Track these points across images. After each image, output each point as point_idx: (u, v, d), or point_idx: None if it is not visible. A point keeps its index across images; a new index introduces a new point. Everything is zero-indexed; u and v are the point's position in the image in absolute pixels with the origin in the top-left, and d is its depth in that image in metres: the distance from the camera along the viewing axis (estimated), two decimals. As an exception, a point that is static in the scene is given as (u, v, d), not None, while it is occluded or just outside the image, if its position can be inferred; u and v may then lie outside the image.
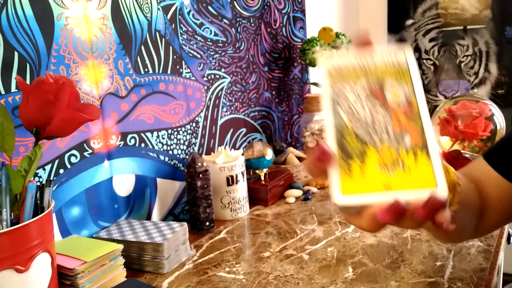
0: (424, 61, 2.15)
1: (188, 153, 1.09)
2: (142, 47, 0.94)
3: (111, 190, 0.89)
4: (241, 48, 1.27)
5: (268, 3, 1.38)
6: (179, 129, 1.05)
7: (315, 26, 1.55)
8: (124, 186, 0.92)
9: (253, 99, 1.35)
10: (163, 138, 1.01)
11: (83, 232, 0.84)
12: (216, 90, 1.18)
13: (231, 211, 1.02)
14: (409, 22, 2.14)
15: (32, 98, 0.58)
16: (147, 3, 0.94)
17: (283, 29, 1.46)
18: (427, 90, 2.18)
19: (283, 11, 1.44)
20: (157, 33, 0.98)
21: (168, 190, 1.03)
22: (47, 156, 0.77)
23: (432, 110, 1.99)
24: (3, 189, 0.57)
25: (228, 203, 1.01)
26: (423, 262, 0.73)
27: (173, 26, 1.02)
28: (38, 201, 0.60)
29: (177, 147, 1.05)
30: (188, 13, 1.06)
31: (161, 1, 0.98)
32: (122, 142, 0.91)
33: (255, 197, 1.09)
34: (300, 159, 1.29)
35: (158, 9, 0.97)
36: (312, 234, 0.89)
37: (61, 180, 0.79)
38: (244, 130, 1.31)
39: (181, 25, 1.04)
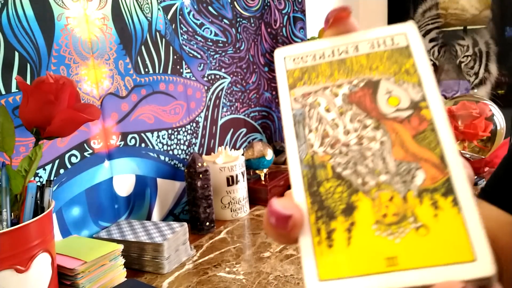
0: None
1: (188, 153, 1.09)
2: (143, 47, 0.94)
3: (111, 190, 0.89)
4: (241, 48, 1.27)
5: (268, 3, 1.38)
6: (179, 129, 1.05)
7: (315, 26, 1.55)
8: (124, 186, 0.92)
9: (253, 99, 1.35)
10: (163, 138, 1.01)
11: (83, 232, 0.84)
12: (217, 90, 1.18)
13: (231, 211, 1.02)
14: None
15: (32, 98, 0.58)
16: (148, 3, 0.94)
17: (283, 29, 1.46)
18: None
19: (283, 11, 1.44)
20: (158, 33, 0.98)
21: (168, 190, 1.03)
22: (47, 156, 0.77)
23: (432, 110, 1.98)
24: (3, 189, 0.57)
25: (228, 203, 1.01)
26: (423, 262, 0.73)
27: (173, 26, 1.02)
28: (38, 201, 0.60)
29: (177, 147, 1.05)
30: (189, 13, 1.06)
31: (161, 1, 0.98)
32: (122, 142, 0.91)
33: (255, 197, 1.09)
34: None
35: (159, 9, 0.97)
36: (312, 234, 0.89)
37: (61, 180, 0.79)
38: (244, 130, 1.31)
39: (182, 25, 1.04)
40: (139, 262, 0.78)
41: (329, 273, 0.20)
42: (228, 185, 1.01)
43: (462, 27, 2.05)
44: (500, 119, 1.23)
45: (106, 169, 0.88)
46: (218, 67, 1.18)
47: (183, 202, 1.07)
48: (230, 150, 1.07)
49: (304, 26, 1.51)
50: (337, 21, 0.25)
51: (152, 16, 0.96)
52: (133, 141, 0.93)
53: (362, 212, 0.21)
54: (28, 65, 0.73)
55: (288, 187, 1.15)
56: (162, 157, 1.01)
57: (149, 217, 0.98)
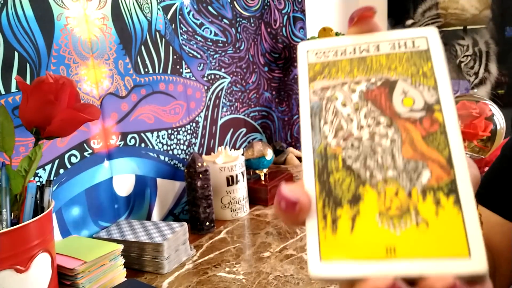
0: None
1: (188, 153, 1.09)
2: (142, 47, 0.94)
3: (111, 190, 0.89)
4: (241, 48, 1.27)
5: (268, 3, 1.38)
6: (179, 129, 1.05)
7: (315, 26, 1.55)
8: (124, 186, 0.92)
9: (253, 99, 1.35)
10: (163, 138, 1.01)
11: (83, 232, 0.84)
12: (216, 90, 1.18)
13: (231, 211, 1.02)
14: (409, 22, 2.14)
15: (32, 98, 0.58)
16: (147, 3, 0.94)
17: (283, 29, 1.46)
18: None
19: (283, 11, 1.44)
20: (157, 33, 0.98)
21: (168, 190, 1.03)
22: (47, 156, 0.77)
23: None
24: (3, 189, 0.56)
25: (228, 203, 1.01)
26: (423, 262, 0.73)
27: (173, 26, 1.02)
28: (38, 201, 0.60)
29: (177, 147, 1.05)
30: (188, 13, 1.06)
31: (161, 1, 0.98)
32: (122, 142, 0.91)
33: (255, 197, 1.09)
34: (300, 159, 1.29)
35: (158, 9, 0.97)
36: (312, 234, 0.89)
37: (61, 180, 0.79)
38: (244, 130, 1.31)
39: (181, 25, 1.04)
40: (139, 262, 0.78)
41: (330, 255, 0.21)
42: (228, 185, 1.01)
43: (462, 27, 2.05)
44: (500, 119, 1.23)
45: (106, 169, 0.88)
46: (218, 67, 1.18)
47: (183, 202, 1.07)
48: (230, 150, 1.07)
49: (304, 26, 1.50)
50: (362, 20, 0.26)
51: (152, 16, 0.96)
52: (133, 141, 0.93)
53: (367, 203, 0.22)
54: (28, 65, 0.73)
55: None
56: (162, 157, 1.01)
57: (149, 217, 0.98)
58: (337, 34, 1.44)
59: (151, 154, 0.98)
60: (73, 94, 0.60)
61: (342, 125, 0.24)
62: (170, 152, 1.03)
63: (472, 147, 1.25)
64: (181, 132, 1.06)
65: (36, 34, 0.73)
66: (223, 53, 1.19)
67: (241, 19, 1.26)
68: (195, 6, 1.08)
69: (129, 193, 0.93)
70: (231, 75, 1.24)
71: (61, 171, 0.79)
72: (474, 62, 2.06)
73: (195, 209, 0.94)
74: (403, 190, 0.22)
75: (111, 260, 0.71)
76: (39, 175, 0.75)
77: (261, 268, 0.76)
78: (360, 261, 0.21)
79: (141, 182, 0.96)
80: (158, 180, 1.00)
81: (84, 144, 0.83)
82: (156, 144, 0.99)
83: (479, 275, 0.20)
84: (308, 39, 1.40)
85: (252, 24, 1.32)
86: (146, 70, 0.96)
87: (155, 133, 0.99)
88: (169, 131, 1.03)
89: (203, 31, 1.11)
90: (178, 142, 1.06)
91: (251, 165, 1.10)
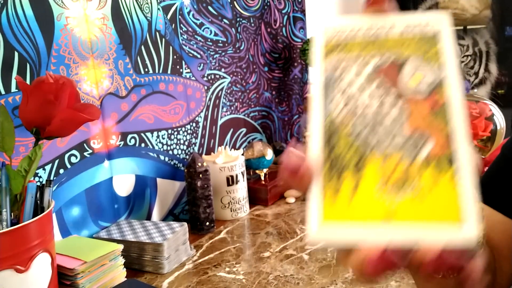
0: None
1: (188, 153, 1.09)
2: (142, 47, 0.94)
3: (111, 190, 0.89)
4: (241, 48, 1.27)
5: (268, 3, 1.38)
6: (179, 129, 1.05)
7: (315, 26, 1.54)
8: (124, 186, 0.92)
9: (253, 99, 1.35)
10: (163, 138, 1.01)
11: (83, 232, 0.84)
12: (216, 90, 1.18)
13: (231, 211, 1.02)
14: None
15: (32, 98, 0.58)
16: (147, 3, 0.94)
17: (283, 29, 1.46)
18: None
19: (283, 11, 1.44)
20: (157, 33, 0.97)
21: (168, 190, 1.03)
22: (47, 156, 0.77)
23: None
24: (3, 189, 0.56)
25: (228, 203, 1.01)
26: (423, 262, 0.73)
27: (173, 26, 1.02)
28: (38, 201, 0.60)
29: (177, 147, 1.05)
30: (188, 13, 1.06)
31: (161, 1, 0.98)
32: (122, 142, 0.91)
33: (255, 197, 1.09)
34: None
35: (158, 9, 0.97)
36: (312, 234, 0.89)
37: (61, 180, 0.79)
38: (244, 130, 1.31)
39: (181, 25, 1.04)
40: (139, 262, 0.78)
41: (332, 215, 0.23)
42: (228, 185, 1.01)
43: (462, 27, 2.05)
44: (500, 119, 1.23)
45: (106, 169, 0.88)
46: (218, 67, 1.18)
47: (183, 202, 1.07)
48: (230, 150, 1.07)
49: (304, 26, 1.50)
50: (377, 1, 0.28)
51: (152, 16, 0.96)
52: (132, 141, 0.93)
53: (370, 170, 0.23)
54: (28, 65, 0.73)
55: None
56: (162, 157, 1.01)
57: (149, 217, 0.98)
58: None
59: (151, 154, 0.98)
60: (73, 94, 0.60)
61: (354, 94, 0.26)
62: (170, 152, 1.03)
63: (472, 147, 1.24)
64: (181, 132, 1.06)
65: (36, 34, 0.73)
66: (223, 53, 1.19)
67: (241, 19, 1.26)
68: (195, 6, 1.08)
69: (129, 193, 0.93)
70: (231, 75, 1.24)
71: (61, 171, 0.79)
72: (474, 62, 2.06)
73: (195, 209, 0.94)
74: (406, 158, 0.23)
75: (111, 260, 0.71)
76: (39, 175, 0.75)
77: (261, 268, 0.76)
78: (358, 226, 0.22)
79: (141, 182, 0.96)
80: (158, 180, 1.00)
81: (84, 144, 0.83)
82: (156, 144, 0.99)
83: (470, 245, 0.21)
84: (308, 39, 1.40)
85: (252, 24, 1.32)
86: (146, 70, 0.96)
87: (155, 133, 0.99)
88: (169, 131, 1.03)
89: (203, 31, 1.11)
90: (178, 142, 1.06)
91: (251, 165, 1.10)
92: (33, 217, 0.57)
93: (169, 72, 1.01)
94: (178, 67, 1.04)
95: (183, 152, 1.07)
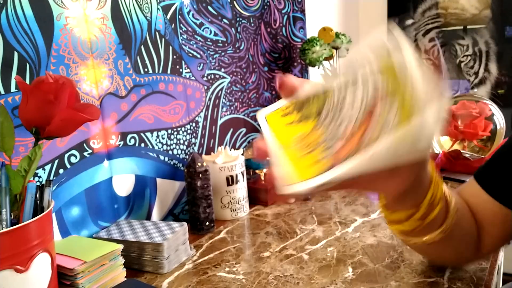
0: (424, 61, 2.15)
1: (188, 153, 1.09)
2: (142, 47, 0.94)
3: (111, 190, 0.89)
4: (241, 48, 1.27)
5: (268, 3, 1.38)
6: (179, 129, 1.05)
7: (315, 26, 1.55)
8: (124, 186, 0.92)
9: (253, 99, 1.35)
10: (163, 138, 1.01)
11: (83, 232, 0.84)
12: (216, 90, 1.18)
13: (231, 211, 1.02)
14: (409, 22, 2.14)
15: (32, 98, 0.58)
16: (147, 3, 0.94)
17: (283, 29, 1.46)
18: (427, 90, 2.18)
19: (283, 11, 1.44)
20: (157, 33, 0.97)
21: (168, 190, 1.03)
22: (47, 156, 0.77)
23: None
24: (3, 189, 0.56)
25: (228, 203, 1.01)
26: (423, 262, 0.73)
27: (173, 26, 1.02)
28: (38, 201, 0.60)
29: (177, 147, 1.05)
30: (188, 13, 1.06)
31: (161, 1, 0.98)
32: (122, 142, 0.91)
33: (255, 197, 1.09)
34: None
35: (158, 9, 0.97)
36: (312, 234, 0.89)
37: (61, 180, 0.79)
38: (244, 130, 1.31)
39: (181, 25, 1.04)
40: (139, 262, 0.78)
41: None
42: (228, 185, 1.01)
43: (462, 27, 2.05)
44: (500, 119, 1.23)
45: (106, 169, 0.88)
46: (217, 66, 1.18)
47: (183, 202, 1.07)
48: (230, 150, 1.07)
49: (304, 26, 1.50)
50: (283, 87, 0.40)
51: (152, 16, 0.96)
52: (132, 141, 0.93)
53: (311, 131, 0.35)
54: (28, 65, 0.73)
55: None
56: (161, 157, 1.01)
57: (148, 217, 0.98)
58: (337, 34, 1.44)
59: (151, 154, 0.98)
60: (73, 94, 0.60)
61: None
62: (170, 152, 1.03)
63: (472, 147, 1.25)
64: (181, 132, 1.06)
65: (35, 34, 0.73)
66: (223, 53, 1.19)
67: (241, 19, 1.26)
68: (195, 6, 1.08)
69: (129, 193, 0.93)
70: (231, 75, 1.24)
71: (61, 171, 0.79)
72: (474, 62, 2.06)
73: (195, 209, 0.94)
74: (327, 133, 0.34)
75: (111, 260, 0.71)
76: (39, 175, 0.76)
77: (261, 268, 0.76)
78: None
79: (141, 182, 0.96)
80: (158, 180, 1.00)
81: (84, 144, 0.83)
82: (156, 144, 0.99)
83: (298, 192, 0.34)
84: (308, 39, 1.39)
85: (252, 24, 1.32)
86: (146, 70, 0.96)
87: (155, 133, 0.99)
88: (169, 131, 1.03)
89: (203, 31, 1.11)
90: (178, 142, 1.06)
91: (251, 165, 1.10)
92: (33, 217, 0.57)
93: (168, 72, 1.01)
94: (177, 67, 1.04)
95: (183, 152, 1.07)
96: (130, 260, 0.77)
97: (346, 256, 0.78)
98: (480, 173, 0.61)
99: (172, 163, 1.04)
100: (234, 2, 1.23)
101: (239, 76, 1.27)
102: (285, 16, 1.46)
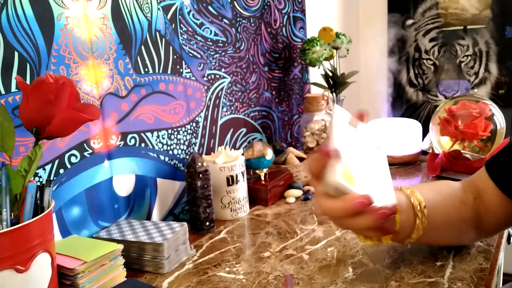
0: (424, 61, 2.15)
1: (188, 153, 1.09)
2: (142, 47, 0.94)
3: (111, 190, 0.89)
4: (241, 48, 1.27)
5: (268, 3, 1.38)
6: (179, 129, 1.05)
7: (315, 26, 1.55)
8: (124, 186, 0.92)
9: (253, 99, 1.35)
10: (163, 138, 1.01)
11: (83, 232, 0.84)
12: (216, 90, 1.18)
13: (231, 211, 1.02)
14: (409, 22, 2.14)
15: (32, 98, 0.58)
16: (147, 3, 0.94)
17: (283, 29, 1.46)
18: (427, 90, 2.18)
19: (283, 11, 1.44)
20: (157, 33, 0.98)
21: (168, 190, 1.03)
22: (47, 156, 0.77)
23: (432, 110, 1.99)
24: (3, 189, 0.56)
25: (228, 203, 1.01)
26: (423, 262, 0.73)
27: (173, 26, 1.02)
28: (38, 201, 0.60)
29: (177, 147, 1.05)
30: (188, 13, 1.06)
31: (161, 1, 0.98)
32: (122, 142, 0.91)
33: (255, 197, 1.09)
34: (300, 159, 1.28)
35: (158, 9, 0.97)
36: (312, 234, 0.89)
37: (61, 180, 0.79)
38: (244, 130, 1.31)
39: (181, 25, 1.04)
40: (139, 262, 0.78)
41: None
42: (228, 185, 1.01)
43: (462, 27, 2.05)
44: (500, 119, 1.23)
45: (106, 169, 0.88)
46: (218, 67, 1.18)
47: (183, 202, 1.07)
48: (230, 150, 1.07)
49: (304, 26, 1.50)
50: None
51: (152, 16, 0.96)
52: (133, 141, 0.93)
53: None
54: (28, 65, 0.73)
55: (288, 186, 1.15)
56: (162, 157, 1.01)
57: (149, 217, 0.98)
58: (337, 34, 1.44)
59: (151, 154, 0.98)
60: (73, 94, 0.60)
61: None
62: (170, 152, 1.03)
63: (472, 147, 1.25)
64: (181, 132, 1.06)
65: (36, 34, 0.73)
66: (223, 53, 1.19)
67: (241, 19, 1.26)
68: (195, 6, 1.08)
69: (129, 193, 0.93)
70: (231, 75, 1.24)
71: (61, 171, 0.79)
72: (474, 62, 2.06)
73: (195, 209, 0.94)
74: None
75: (111, 260, 0.71)
76: (39, 175, 0.76)
77: (261, 268, 0.76)
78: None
79: (141, 182, 0.96)
80: (158, 180, 1.00)
81: (84, 144, 0.83)
82: (156, 144, 0.99)
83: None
84: (308, 39, 1.39)
85: (252, 24, 1.32)
86: (146, 70, 0.96)
87: (155, 133, 0.99)
88: (169, 131, 1.03)
89: (203, 31, 1.11)
90: (178, 142, 1.06)
91: (251, 165, 1.10)
92: (33, 217, 0.57)
93: (169, 72, 1.02)
94: (178, 67, 1.04)
95: (183, 152, 1.07)
96: (130, 260, 0.77)
97: (346, 256, 0.78)
98: (490, 162, 0.69)
99: (172, 163, 1.04)
100: (235, 2, 1.23)
101: (239, 76, 1.27)
102: (285, 16, 1.46)
